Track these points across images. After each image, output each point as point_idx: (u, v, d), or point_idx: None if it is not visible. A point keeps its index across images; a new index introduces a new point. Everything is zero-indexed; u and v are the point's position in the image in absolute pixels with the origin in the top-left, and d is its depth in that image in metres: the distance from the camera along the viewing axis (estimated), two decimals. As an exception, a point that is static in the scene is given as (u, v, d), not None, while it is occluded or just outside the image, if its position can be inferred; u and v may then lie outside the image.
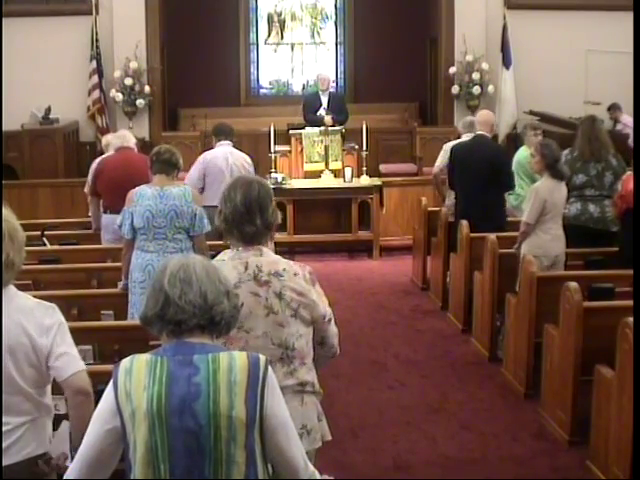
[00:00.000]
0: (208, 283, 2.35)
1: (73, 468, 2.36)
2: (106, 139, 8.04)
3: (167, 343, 2.37)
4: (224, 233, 3.20)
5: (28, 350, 2.82)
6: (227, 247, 3.25)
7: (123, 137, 7.34)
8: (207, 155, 7.76)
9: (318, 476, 2.46)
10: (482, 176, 7.27)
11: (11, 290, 2.87)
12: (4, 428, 2.82)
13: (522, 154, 7.99)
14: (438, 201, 9.06)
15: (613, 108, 11.84)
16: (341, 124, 10.95)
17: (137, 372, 2.29)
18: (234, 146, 7.88)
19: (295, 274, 3.12)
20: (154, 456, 2.25)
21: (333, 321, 3.25)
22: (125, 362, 2.34)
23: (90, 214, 7.41)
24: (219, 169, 7.47)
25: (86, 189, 7.59)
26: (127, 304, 5.48)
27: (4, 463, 2.81)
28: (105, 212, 6.97)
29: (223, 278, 2.41)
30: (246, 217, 3.08)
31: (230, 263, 3.08)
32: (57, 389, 3.03)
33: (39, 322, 2.85)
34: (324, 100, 11.20)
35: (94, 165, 7.38)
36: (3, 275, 2.82)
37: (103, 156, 7.59)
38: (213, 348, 2.35)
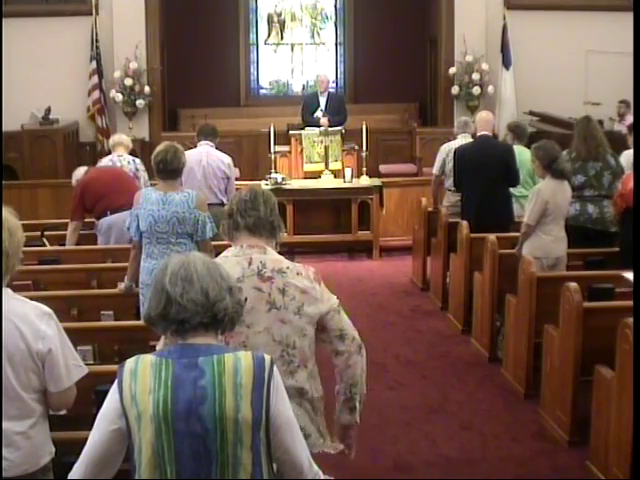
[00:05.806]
0: (209, 280, 2.34)
1: (78, 467, 2.36)
2: (112, 139, 8.08)
3: (172, 343, 2.37)
4: (229, 230, 3.21)
5: (25, 355, 2.75)
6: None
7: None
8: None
9: (322, 476, 2.46)
10: (497, 175, 7.40)
11: (7, 292, 2.80)
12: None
13: (523, 154, 7.90)
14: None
15: (625, 102, 11.64)
16: (339, 125, 10.94)
17: (142, 374, 2.28)
18: (217, 147, 7.86)
19: (298, 273, 3.14)
20: (161, 459, 2.25)
21: (343, 312, 3.22)
22: (130, 363, 2.33)
23: (68, 242, 6.92)
24: (190, 169, 7.42)
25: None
26: (127, 305, 5.48)
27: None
28: (106, 215, 6.89)
29: (225, 274, 2.41)
30: (250, 205, 3.18)
31: (234, 259, 3.09)
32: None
33: (35, 327, 2.77)
34: (322, 101, 11.18)
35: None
36: (3, 274, 2.79)
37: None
38: (218, 349, 2.34)
